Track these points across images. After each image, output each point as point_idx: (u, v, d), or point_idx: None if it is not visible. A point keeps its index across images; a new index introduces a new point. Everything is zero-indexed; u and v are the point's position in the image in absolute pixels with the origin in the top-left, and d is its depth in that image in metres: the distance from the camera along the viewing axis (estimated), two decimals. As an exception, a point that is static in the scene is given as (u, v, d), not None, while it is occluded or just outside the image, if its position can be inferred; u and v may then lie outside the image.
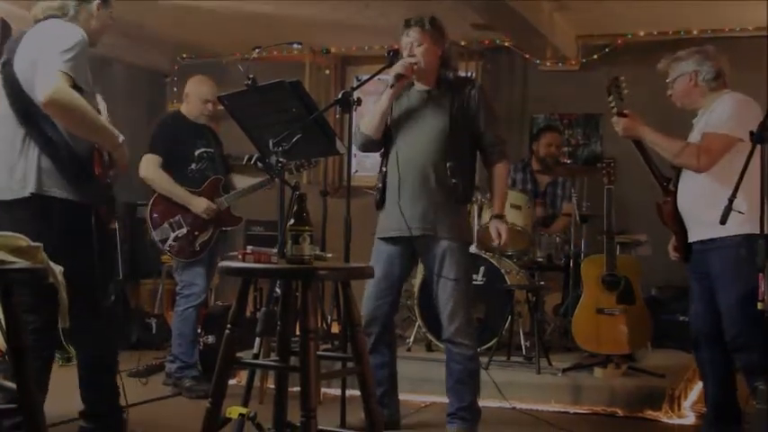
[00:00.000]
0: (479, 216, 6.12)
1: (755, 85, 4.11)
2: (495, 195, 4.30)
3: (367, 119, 4.24)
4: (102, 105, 3.87)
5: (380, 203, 4.26)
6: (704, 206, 3.90)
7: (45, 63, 3.31)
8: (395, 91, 4.13)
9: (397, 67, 4.06)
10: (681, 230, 4.20)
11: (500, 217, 4.27)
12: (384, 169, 4.26)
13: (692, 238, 4.15)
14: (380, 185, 4.26)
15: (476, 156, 4.31)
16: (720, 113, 3.99)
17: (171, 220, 5.25)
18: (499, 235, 4.23)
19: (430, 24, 4.13)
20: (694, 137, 4.13)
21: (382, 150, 4.32)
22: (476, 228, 6.06)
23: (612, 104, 4.20)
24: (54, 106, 3.29)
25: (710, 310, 4.08)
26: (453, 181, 4.10)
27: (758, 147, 3.55)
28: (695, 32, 7.07)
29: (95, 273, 3.40)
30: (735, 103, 4.01)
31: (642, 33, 7.39)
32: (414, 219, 4.11)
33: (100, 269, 3.43)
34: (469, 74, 8.06)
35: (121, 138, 3.61)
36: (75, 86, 3.33)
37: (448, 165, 4.10)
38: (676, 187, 4.20)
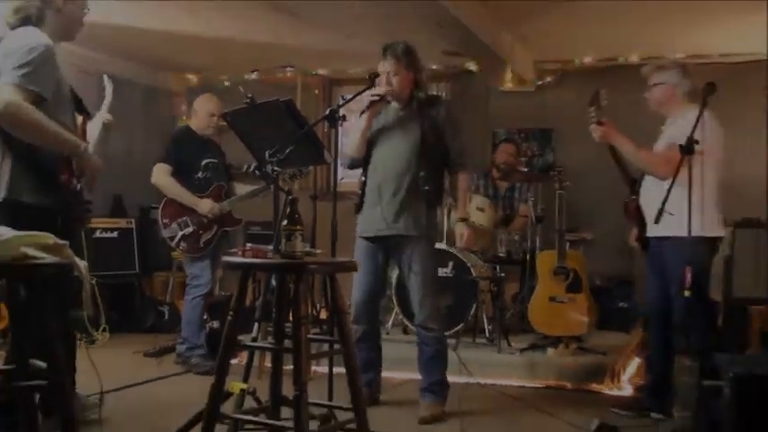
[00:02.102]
0: (448, 217, 6.14)
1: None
2: (458, 201, 4.33)
3: (350, 141, 4.23)
4: (109, 88, 3.78)
5: (359, 207, 4.27)
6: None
7: (2, 76, 3.08)
8: (370, 115, 4.14)
9: (370, 96, 4.06)
10: (642, 225, 4.23)
11: (464, 220, 4.29)
12: (363, 178, 4.26)
13: (650, 233, 4.17)
14: (360, 192, 4.27)
15: (444, 164, 4.28)
16: (684, 128, 3.87)
17: (179, 220, 5.24)
18: (461, 237, 4.25)
19: (403, 54, 4.10)
20: (662, 144, 4.12)
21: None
22: (445, 227, 6.08)
23: (593, 114, 4.13)
24: (4, 120, 3.07)
25: (662, 297, 4.10)
26: (426, 188, 4.10)
27: (686, 158, 3.62)
28: (634, 59, 7.13)
29: None
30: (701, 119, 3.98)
31: (589, 60, 7.44)
32: (388, 221, 4.13)
33: None
34: (442, 94, 8.10)
35: (84, 146, 3.35)
36: (37, 96, 3.09)
37: (420, 174, 4.09)
38: (641, 187, 4.23)
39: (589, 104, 4.17)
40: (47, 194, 3.25)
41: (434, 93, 7.85)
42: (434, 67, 7.72)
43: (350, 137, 4.26)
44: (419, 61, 4.19)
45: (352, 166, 4.33)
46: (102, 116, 3.73)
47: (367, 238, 4.24)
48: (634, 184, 4.27)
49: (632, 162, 4.13)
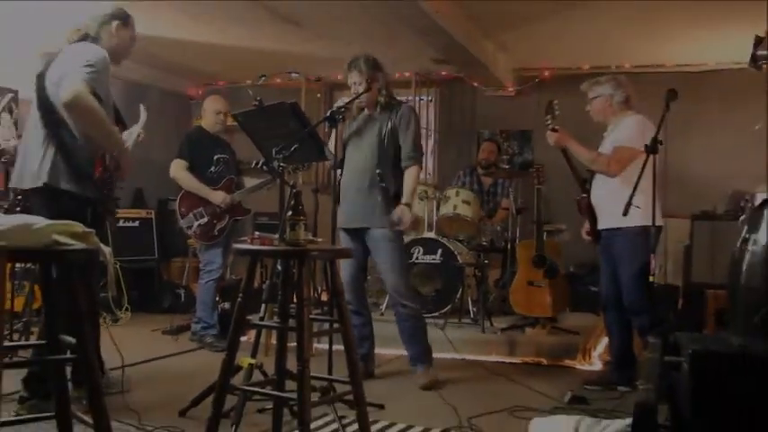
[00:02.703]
0: (437, 209, 6.15)
1: (649, 111, 4.17)
2: (405, 188, 4.16)
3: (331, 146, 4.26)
4: (143, 114, 3.83)
5: (336, 201, 4.27)
6: (612, 202, 3.94)
7: (71, 72, 3.19)
8: (342, 123, 4.12)
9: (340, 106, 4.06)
10: (593, 219, 4.26)
11: (407, 205, 4.14)
12: (339, 177, 4.28)
13: (601, 225, 4.21)
14: (337, 188, 4.27)
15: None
16: (626, 131, 4.02)
17: (195, 211, 5.24)
18: (401, 220, 4.11)
19: (365, 65, 4.11)
20: (606, 147, 4.16)
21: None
22: (435, 218, 6.10)
23: (548, 122, 4.18)
24: (73, 107, 3.16)
25: (615, 283, 4.14)
26: (383, 184, 4.12)
27: (650, 157, 3.64)
28: (602, 68, 7.17)
29: None
30: (636, 122, 4.05)
31: (563, 68, 7.46)
32: (356, 214, 4.16)
33: None
34: (431, 98, 8.12)
35: (127, 145, 3.48)
36: (95, 95, 3.20)
37: (377, 172, 4.12)
38: (591, 186, 4.26)
39: (544, 113, 4.21)
40: (82, 186, 3.32)
41: (425, 97, 7.94)
42: (424, 74, 7.74)
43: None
44: (381, 69, 4.21)
45: (334, 166, 4.35)
46: (137, 130, 3.79)
47: (345, 229, 4.27)
48: (584, 183, 4.31)
49: (586, 163, 4.18)
